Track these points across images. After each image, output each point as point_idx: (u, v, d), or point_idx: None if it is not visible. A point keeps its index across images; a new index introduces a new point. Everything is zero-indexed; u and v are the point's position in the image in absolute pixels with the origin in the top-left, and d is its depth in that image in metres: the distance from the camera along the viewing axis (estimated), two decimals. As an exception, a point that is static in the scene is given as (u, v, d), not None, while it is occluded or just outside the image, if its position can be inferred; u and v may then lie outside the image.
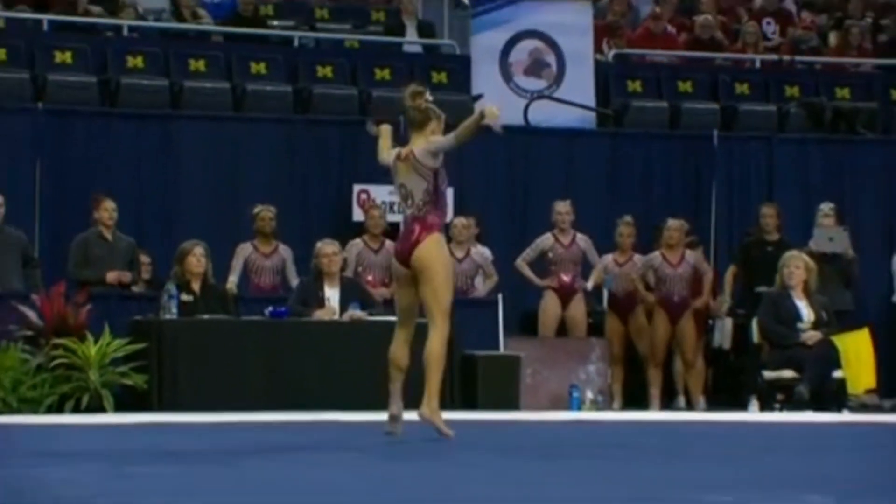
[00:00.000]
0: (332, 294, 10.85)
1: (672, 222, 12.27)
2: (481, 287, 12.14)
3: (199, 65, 12.92)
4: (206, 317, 10.52)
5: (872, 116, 14.06)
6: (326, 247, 10.93)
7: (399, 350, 7.93)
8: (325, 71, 13.21)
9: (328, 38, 14.11)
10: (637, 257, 12.37)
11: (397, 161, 7.89)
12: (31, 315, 10.25)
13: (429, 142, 7.82)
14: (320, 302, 10.81)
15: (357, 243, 11.80)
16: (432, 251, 7.73)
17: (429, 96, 7.94)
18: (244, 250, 11.60)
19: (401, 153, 7.89)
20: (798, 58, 14.97)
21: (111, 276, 11.06)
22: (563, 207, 12.23)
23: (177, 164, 12.40)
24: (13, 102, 12.18)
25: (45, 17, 13.19)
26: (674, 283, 12.19)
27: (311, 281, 10.96)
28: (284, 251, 11.69)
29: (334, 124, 12.72)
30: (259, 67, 13.08)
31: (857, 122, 13.93)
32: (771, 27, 15.47)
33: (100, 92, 12.58)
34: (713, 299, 12.60)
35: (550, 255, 12.22)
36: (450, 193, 12.38)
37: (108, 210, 11.17)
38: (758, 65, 14.83)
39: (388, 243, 11.96)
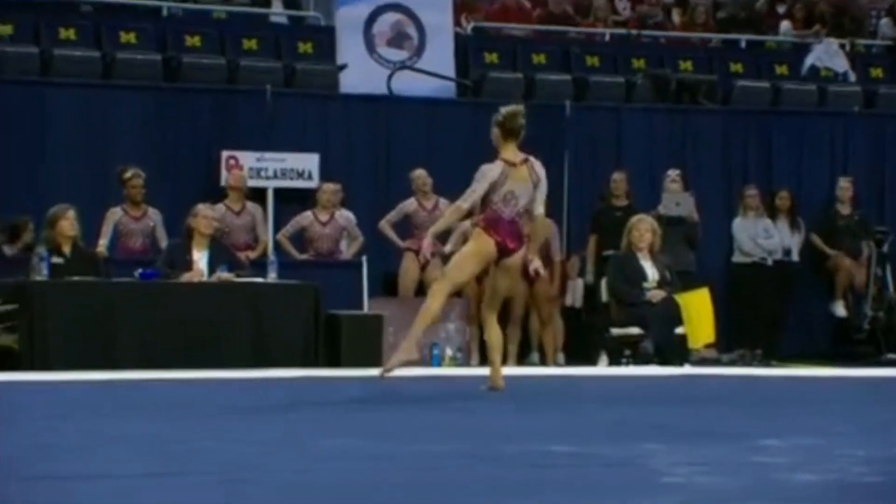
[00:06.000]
0: (199, 257, 10.82)
1: None
2: (346, 250, 12.26)
3: (69, 33, 12.74)
4: (76, 278, 10.39)
5: (713, 88, 14.17)
6: (207, 210, 10.96)
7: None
8: (193, 41, 13.06)
9: (196, 9, 13.85)
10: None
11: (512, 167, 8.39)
12: None
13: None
14: (188, 264, 10.78)
15: (219, 207, 11.76)
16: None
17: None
18: (114, 214, 11.60)
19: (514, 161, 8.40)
20: (645, 32, 15.00)
21: None
22: (419, 173, 12.32)
23: (46, 131, 12.16)
24: None
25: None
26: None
27: (180, 243, 10.95)
28: (154, 214, 11.71)
29: (203, 92, 12.66)
30: (129, 37, 12.89)
31: (699, 93, 14.03)
32: (622, 3, 15.41)
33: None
34: (567, 261, 12.71)
35: (413, 219, 12.28)
36: (316, 160, 12.52)
37: None
38: (607, 38, 14.80)
39: (251, 206, 12.12)
